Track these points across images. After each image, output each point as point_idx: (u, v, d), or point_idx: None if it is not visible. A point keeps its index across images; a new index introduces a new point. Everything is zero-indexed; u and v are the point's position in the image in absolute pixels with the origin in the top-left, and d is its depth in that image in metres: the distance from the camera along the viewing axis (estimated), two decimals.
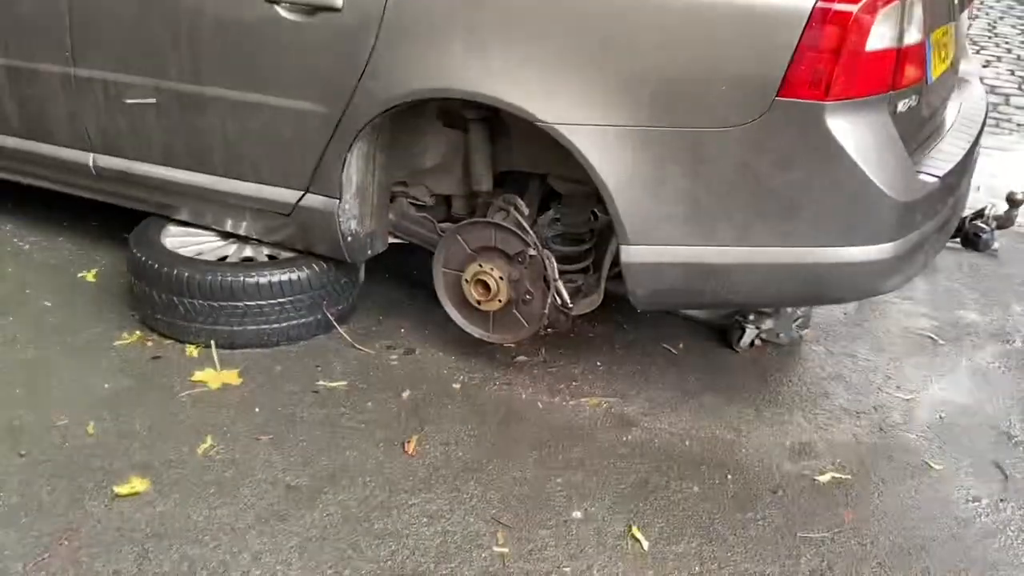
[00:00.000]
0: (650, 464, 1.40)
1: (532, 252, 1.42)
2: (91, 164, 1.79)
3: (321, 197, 1.52)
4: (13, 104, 1.89)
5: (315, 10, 1.39)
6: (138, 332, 1.64)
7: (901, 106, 1.31)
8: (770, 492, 1.35)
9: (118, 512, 1.21)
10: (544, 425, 1.49)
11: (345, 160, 1.48)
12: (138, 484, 1.25)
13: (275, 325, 1.60)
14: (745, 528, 1.26)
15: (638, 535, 1.26)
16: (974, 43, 4.08)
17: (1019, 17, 4.66)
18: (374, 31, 1.38)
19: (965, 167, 1.49)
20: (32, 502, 1.19)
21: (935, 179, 1.36)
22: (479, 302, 1.49)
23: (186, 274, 1.53)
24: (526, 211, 1.49)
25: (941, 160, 1.42)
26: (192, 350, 1.57)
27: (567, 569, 1.15)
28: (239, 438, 1.40)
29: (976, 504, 1.33)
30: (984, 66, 3.73)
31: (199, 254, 1.70)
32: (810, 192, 1.30)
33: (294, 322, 1.61)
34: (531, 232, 1.43)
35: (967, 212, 1.82)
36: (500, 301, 1.45)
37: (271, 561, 1.11)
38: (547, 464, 1.38)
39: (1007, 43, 4.26)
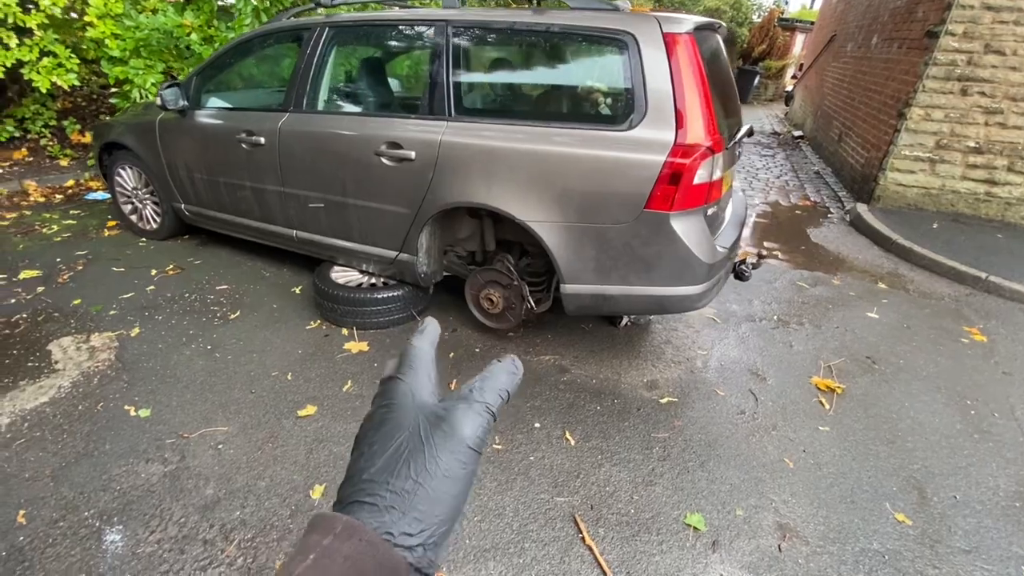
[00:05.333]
0: (575, 394, 2.38)
1: (515, 282, 2.60)
2: (294, 235, 3.00)
3: (407, 254, 2.64)
4: (256, 205, 3.04)
5: (401, 160, 2.49)
6: (319, 321, 2.85)
7: (709, 211, 2.22)
8: (636, 410, 2.30)
9: (299, 426, 2.09)
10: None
11: (419, 235, 2.54)
12: (311, 409, 2.15)
13: (385, 318, 2.78)
14: (623, 431, 2.15)
15: (568, 436, 2.10)
16: None
17: (747, 153, 8.08)
18: (432, 170, 2.38)
19: (738, 239, 2.55)
20: (253, 420, 2.12)
21: (724, 249, 2.33)
22: (487, 308, 2.73)
23: (341, 292, 2.75)
24: (512, 261, 2.60)
25: (726, 237, 2.46)
26: (345, 331, 2.79)
27: (532, 458, 1.99)
28: (364, 381, 2.37)
29: (741, 415, 2.35)
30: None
31: (348, 282, 2.86)
32: (661, 258, 2.11)
33: (395, 316, 2.81)
34: (514, 271, 2.57)
35: (738, 259, 2.76)
36: (498, 308, 2.68)
37: None
38: (523, 395, 2.33)
39: (741, 164, 7.51)
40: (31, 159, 5.02)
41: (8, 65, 4.04)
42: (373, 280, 2.92)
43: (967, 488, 2.03)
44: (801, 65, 12.76)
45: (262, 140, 2.80)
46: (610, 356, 2.72)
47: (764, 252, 2.82)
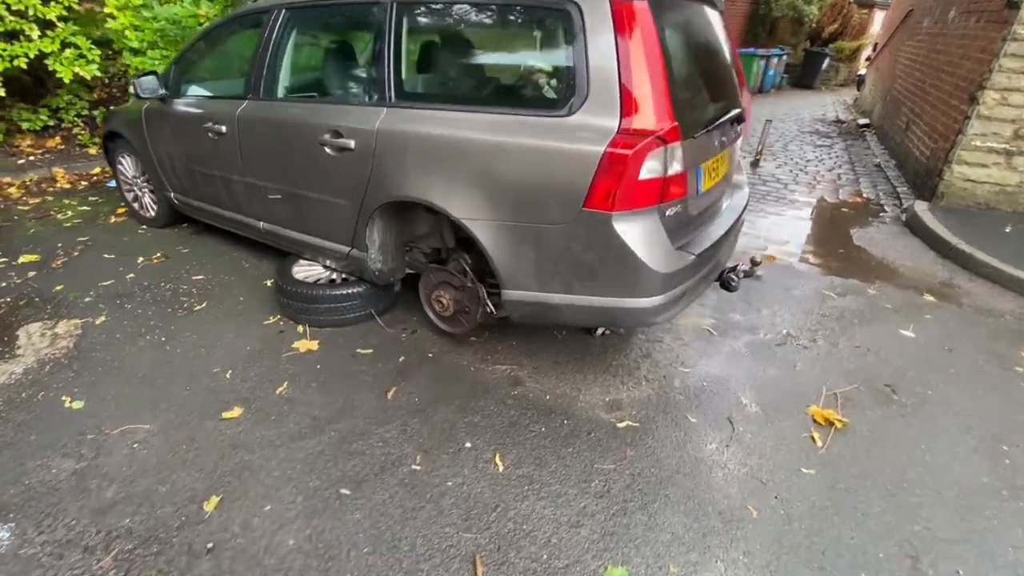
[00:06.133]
0: (521, 411, 2.12)
1: (469, 284, 2.38)
2: (260, 226, 2.92)
3: (358, 250, 2.48)
4: (226, 195, 3.00)
5: (342, 149, 2.29)
6: (277, 316, 2.76)
7: (669, 211, 1.90)
8: (586, 433, 2.02)
9: (219, 429, 1.98)
10: (470, 382, 2.28)
11: (368, 230, 2.36)
12: (237, 411, 2.04)
13: (340, 316, 2.64)
14: (563, 459, 1.89)
15: (498, 460, 1.85)
16: (774, 156, 6.93)
17: (800, 142, 7.63)
18: (371, 160, 2.19)
19: (724, 241, 2.18)
20: (178, 420, 2.04)
21: (693, 256, 1.99)
22: (439, 311, 2.52)
23: (294, 288, 2.62)
24: (469, 261, 2.34)
25: (704, 240, 2.11)
26: (300, 328, 2.66)
27: (450, 483, 1.75)
28: (300, 384, 2.22)
29: (711, 447, 2.01)
30: (778, 168, 6.39)
31: (308, 277, 2.73)
32: (604, 265, 1.84)
33: (351, 315, 2.66)
34: (469, 272, 2.33)
35: (729, 264, 2.42)
36: (449, 311, 2.47)
37: (288, 465, 1.81)
38: (463, 409, 2.11)
39: (790, 155, 7.03)
40: (63, 147, 5.30)
41: (31, 56, 4.23)
42: (333, 276, 2.79)
43: (976, 560, 1.64)
44: (875, 45, 11.55)
45: (223, 128, 2.73)
46: (575, 369, 2.46)
47: (759, 258, 2.45)
